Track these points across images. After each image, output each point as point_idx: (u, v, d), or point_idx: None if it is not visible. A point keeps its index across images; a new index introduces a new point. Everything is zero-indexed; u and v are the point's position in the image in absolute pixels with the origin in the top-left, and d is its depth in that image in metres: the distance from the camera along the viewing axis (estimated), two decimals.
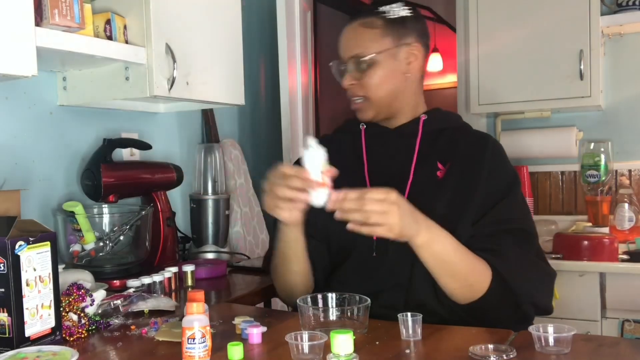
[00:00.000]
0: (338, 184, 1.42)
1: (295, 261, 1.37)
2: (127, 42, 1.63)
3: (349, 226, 1.14)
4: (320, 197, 1.17)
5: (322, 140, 1.53)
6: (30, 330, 1.11)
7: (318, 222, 1.39)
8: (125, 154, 2.03)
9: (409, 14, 1.40)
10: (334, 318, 1.17)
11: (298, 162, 1.48)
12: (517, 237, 1.31)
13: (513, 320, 1.26)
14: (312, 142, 1.19)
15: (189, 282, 1.76)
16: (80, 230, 1.69)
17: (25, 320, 1.10)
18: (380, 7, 1.40)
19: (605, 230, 2.42)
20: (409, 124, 1.44)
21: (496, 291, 1.24)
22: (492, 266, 1.25)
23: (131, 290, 1.53)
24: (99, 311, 1.32)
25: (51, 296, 1.16)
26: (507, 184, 1.37)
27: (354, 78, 1.40)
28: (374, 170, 1.42)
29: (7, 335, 1.09)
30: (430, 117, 1.44)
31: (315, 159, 1.18)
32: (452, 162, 1.38)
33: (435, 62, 5.72)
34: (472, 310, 1.27)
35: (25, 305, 1.10)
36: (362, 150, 1.46)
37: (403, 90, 1.41)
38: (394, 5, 1.40)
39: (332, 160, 1.45)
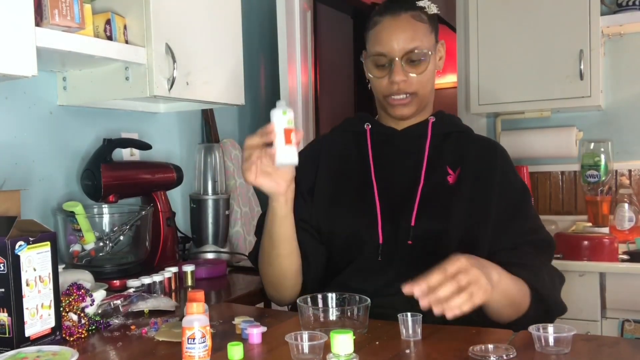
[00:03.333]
0: (343, 187, 1.41)
1: (284, 242, 1.30)
2: (127, 42, 1.63)
3: (437, 312, 1.02)
4: (288, 156, 1.16)
5: (321, 140, 1.53)
6: (30, 330, 1.11)
7: (322, 225, 1.38)
8: (125, 154, 2.03)
9: (438, 11, 1.40)
10: (334, 318, 1.16)
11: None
12: (539, 247, 1.33)
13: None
14: (282, 102, 1.18)
15: (189, 282, 1.76)
16: (80, 230, 1.69)
17: (25, 320, 1.10)
18: (418, 1, 1.38)
19: (605, 230, 2.42)
20: (417, 125, 1.42)
21: (535, 307, 1.26)
22: (528, 283, 1.25)
23: (131, 290, 1.53)
24: (99, 311, 1.32)
25: (51, 296, 1.16)
26: (520, 193, 1.38)
27: (405, 73, 1.34)
28: (381, 174, 1.38)
29: (7, 335, 1.09)
30: (438, 119, 1.43)
31: (282, 118, 1.15)
32: (462, 168, 1.37)
33: None
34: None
35: (25, 305, 1.10)
36: (368, 152, 1.42)
37: (433, 88, 1.42)
38: (427, 0, 1.39)
39: (335, 162, 1.44)
